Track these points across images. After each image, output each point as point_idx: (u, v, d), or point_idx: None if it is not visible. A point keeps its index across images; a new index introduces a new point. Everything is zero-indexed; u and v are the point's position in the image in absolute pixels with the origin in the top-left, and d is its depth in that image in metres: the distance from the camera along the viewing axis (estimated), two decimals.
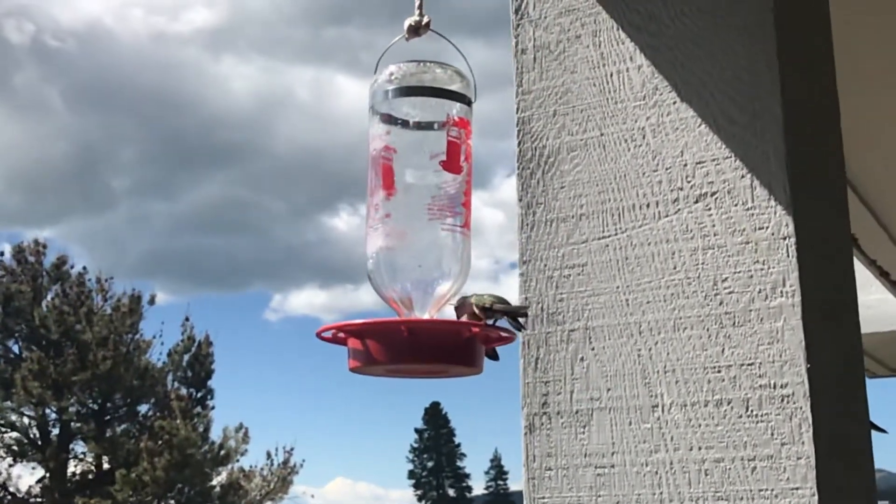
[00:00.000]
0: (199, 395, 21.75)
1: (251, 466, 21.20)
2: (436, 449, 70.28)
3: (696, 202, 1.18)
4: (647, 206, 1.21)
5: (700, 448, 1.13)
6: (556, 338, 1.23)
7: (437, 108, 0.94)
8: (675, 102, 1.22)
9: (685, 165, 1.20)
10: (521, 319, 0.96)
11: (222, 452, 20.64)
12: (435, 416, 70.07)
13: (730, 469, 1.11)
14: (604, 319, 1.21)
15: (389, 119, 0.95)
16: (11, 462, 21.22)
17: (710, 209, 1.17)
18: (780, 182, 1.14)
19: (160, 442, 19.13)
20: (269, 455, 21.33)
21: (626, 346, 1.19)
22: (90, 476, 20.97)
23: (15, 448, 21.18)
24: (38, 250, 21.84)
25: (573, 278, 1.24)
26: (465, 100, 0.95)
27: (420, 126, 0.95)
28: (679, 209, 1.19)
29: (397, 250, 0.92)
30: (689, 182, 1.19)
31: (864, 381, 1.28)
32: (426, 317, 0.93)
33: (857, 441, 1.20)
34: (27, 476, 21.63)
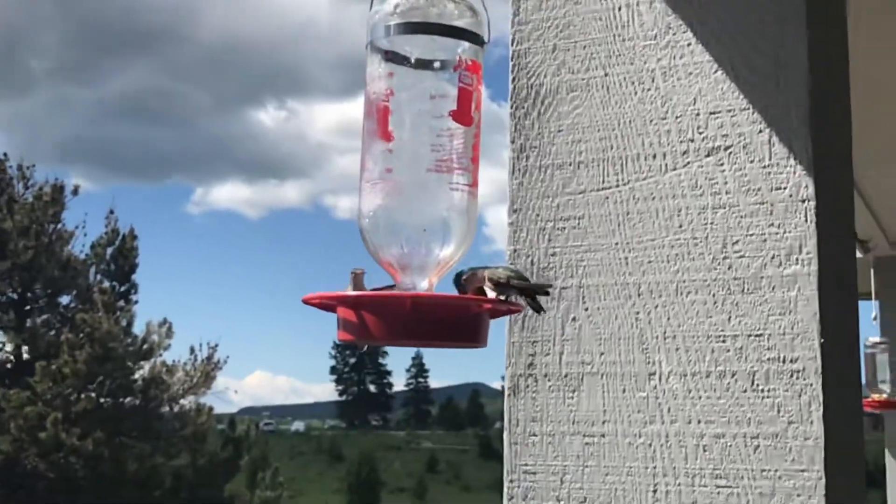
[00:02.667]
0: (123, 289, 21.39)
1: (174, 361, 21.02)
2: None
3: (708, 156, 1.08)
4: (654, 156, 1.11)
5: (699, 422, 1.05)
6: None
7: (446, 48, 0.82)
8: (689, 44, 1.11)
9: (697, 115, 1.09)
10: (539, 299, 0.86)
11: (145, 346, 20.42)
12: None
13: (731, 446, 1.04)
14: (599, 278, 1.12)
15: (391, 57, 0.82)
16: None
17: (722, 164, 1.08)
18: (802, 139, 1.04)
19: (81, 335, 18.84)
20: (192, 350, 21.15)
21: (622, 308, 1.10)
22: (8, 366, 20.65)
23: None
24: None
25: (568, 231, 1.14)
26: (478, 40, 0.83)
27: (426, 67, 0.83)
28: (688, 162, 1.09)
29: (398, 209, 0.81)
30: (700, 133, 1.09)
31: (859, 352, 1.22)
32: (425, 284, 0.83)
33: (856, 417, 1.14)
34: None
